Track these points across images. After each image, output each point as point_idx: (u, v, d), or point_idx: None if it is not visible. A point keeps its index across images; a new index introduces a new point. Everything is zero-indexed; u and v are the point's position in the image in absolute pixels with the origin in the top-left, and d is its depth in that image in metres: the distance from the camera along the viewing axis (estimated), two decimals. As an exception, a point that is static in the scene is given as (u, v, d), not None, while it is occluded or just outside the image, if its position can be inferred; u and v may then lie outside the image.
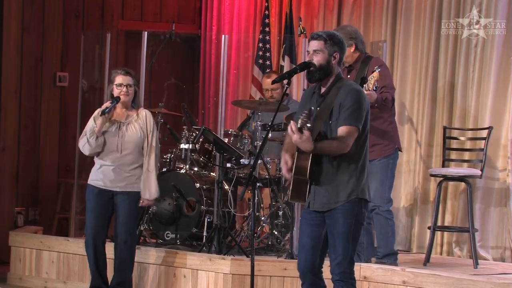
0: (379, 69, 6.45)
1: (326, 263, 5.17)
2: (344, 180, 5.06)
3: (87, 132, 6.46)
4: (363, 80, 6.61)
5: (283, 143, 5.40)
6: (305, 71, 5.18)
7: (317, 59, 5.10)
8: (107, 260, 6.63)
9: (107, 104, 6.47)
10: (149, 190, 6.53)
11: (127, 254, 6.54)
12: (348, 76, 6.79)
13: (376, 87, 6.48)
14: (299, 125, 4.85)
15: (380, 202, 6.71)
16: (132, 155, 6.50)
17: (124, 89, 6.47)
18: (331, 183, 5.07)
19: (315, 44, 5.13)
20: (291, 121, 4.91)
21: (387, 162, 6.77)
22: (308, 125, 4.84)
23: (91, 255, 6.54)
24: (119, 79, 6.49)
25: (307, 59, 5.16)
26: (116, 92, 6.49)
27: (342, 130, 5.02)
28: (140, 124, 6.52)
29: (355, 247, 5.13)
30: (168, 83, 10.18)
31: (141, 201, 6.57)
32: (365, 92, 6.34)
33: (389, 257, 6.75)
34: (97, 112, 6.51)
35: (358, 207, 5.10)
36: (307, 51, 5.18)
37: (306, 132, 4.85)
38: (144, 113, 6.57)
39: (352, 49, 6.76)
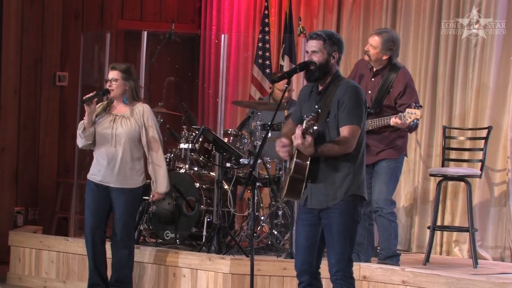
0: (419, 107, 6.52)
1: (325, 263, 5.17)
2: (341, 177, 5.05)
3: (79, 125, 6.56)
4: (386, 89, 6.63)
5: (281, 133, 5.38)
6: (305, 74, 5.17)
7: (316, 59, 5.10)
8: (108, 258, 6.63)
9: (90, 94, 6.52)
10: (160, 184, 6.57)
11: (124, 252, 6.54)
12: (372, 80, 6.77)
13: (413, 123, 6.51)
14: (303, 126, 4.84)
15: (384, 204, 6.71)
16: (126, 149, 6.48)
17: (108, 83, 6.53)
18: (328, 180, 5.06)
19: (313, 44, 5.12)
20: (298, 125, 4.89)
21: (394, 165, 6.77)
22: (315, 127, 4.82)
23: (90, 251, 6.55)
24: (108, 73, 6.58)
25: (306, 59, 5.15)
26: (107, 86, 6.59)
27: (344, 130, 5.00)
28: (135, 118, 6.53)
29: (353, 246, 5.12)
30: (168, 80, 10.18)
31: (152, 196, 6.63)
32: (399, 121, 6.46)
33: (391, 258, 6.74)
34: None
35: (354, 205, 5.09)
36: (306, 51, 5.18)
37: (309, 138, 4.83)
38: (141, 107, 6.57)
39: (386, 57, 6.70)
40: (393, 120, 6.53)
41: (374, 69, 6.79)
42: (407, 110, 6.49)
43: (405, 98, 6.64)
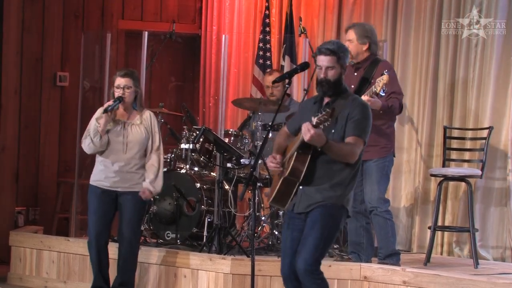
0: (388, 72, 6.43)
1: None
2: (333, 185, 5.10)
3: (91, 132, 6.44)
4: (367, 81, 6.60)
5: (274, 143, 5.40)
6: (319, 87, 5.16)
7: (331, 75, 5.12)
8: (110, 260, 6.62)
9: (109, 102, 6.47)
10: (158, 183, 6.52)
11: (131, 254, 6.53)
12: (355, 74, 6.77)
13: (383, 90, 6.44)
14: (314, 123, 4.85)
15: (378, 203, 6.70)
16: (137, 156, 6.49)
17: (121, 91, 6.46)
18: (319, 186, 5.10)
19: (328, 60, 5.14)
20: (306, 122, 4.90)
21: (383, 164, 6.76)
22: (328, 123, 4.85)
23: (94, 257, 6.50)
24: (118, 81, 6.49)
25: (321, 76, 5.13)
26: (116, 94, 6.49)
27: (349, 140, 5.06)
28: (145, 125, 6.53)
29: (326, 250, 5.15)
30: (172, 85, 10.19)
31: (142, 191, 6.48)
32: (370, 98, 6.37)
33: (391, 257, 6.74)
34: (99, 112, 6.50)
35: (340, 212, 5.14)
36: (318, 66, 5.16)
37: (318, 129, 4.87)
38: (148, 114, 6.58)
39: (365, 47, 6.73)
40: (365, 94, 6.48)
41: (356, 63, 6.79)
42: (376, 80, 6.47)
43: (387, 87, 6.59)
